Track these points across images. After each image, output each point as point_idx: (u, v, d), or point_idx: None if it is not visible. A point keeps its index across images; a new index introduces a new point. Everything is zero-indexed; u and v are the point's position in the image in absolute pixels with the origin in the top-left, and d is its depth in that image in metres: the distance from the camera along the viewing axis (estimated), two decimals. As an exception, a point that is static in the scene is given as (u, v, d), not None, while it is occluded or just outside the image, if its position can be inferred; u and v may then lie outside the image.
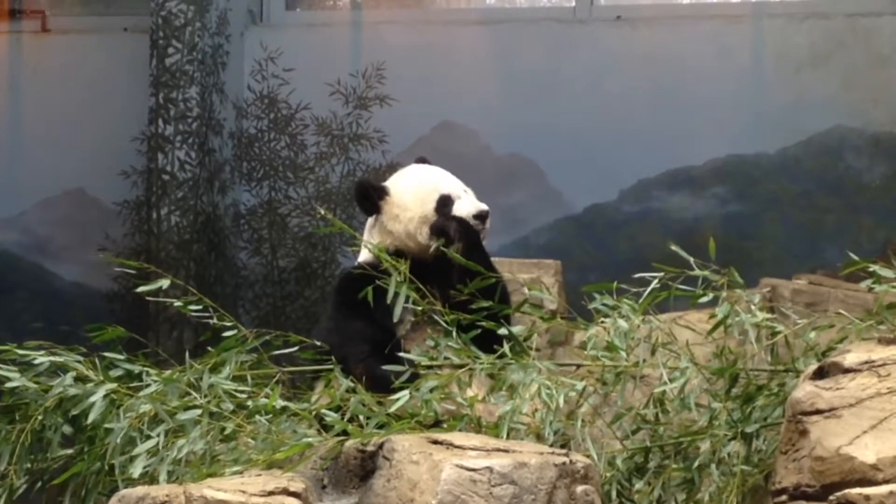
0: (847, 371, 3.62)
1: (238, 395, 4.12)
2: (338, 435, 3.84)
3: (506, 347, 4.22)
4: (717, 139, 7.66)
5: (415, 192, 4.58)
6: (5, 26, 8.52)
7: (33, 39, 8.50)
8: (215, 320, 4.32)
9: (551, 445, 3.87)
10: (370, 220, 4.65)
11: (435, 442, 3.66)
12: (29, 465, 4.24)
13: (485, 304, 4.27)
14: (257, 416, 4.01)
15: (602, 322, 4.26)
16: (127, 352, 4.40)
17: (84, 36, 8.40)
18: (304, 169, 8.08)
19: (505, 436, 3.90)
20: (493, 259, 4.60)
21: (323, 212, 4.93)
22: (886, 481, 3.39)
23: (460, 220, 4.48)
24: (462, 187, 4.62)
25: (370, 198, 4.60)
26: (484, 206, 4.54)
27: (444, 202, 4.54)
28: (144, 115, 7.85)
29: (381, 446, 3.69)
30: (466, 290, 4.31)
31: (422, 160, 4.79)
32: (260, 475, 3.69)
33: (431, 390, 4.05)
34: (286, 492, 3.53)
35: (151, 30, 7.81)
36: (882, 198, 7.52)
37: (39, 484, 4.27)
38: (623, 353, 4.16)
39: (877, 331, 4.04)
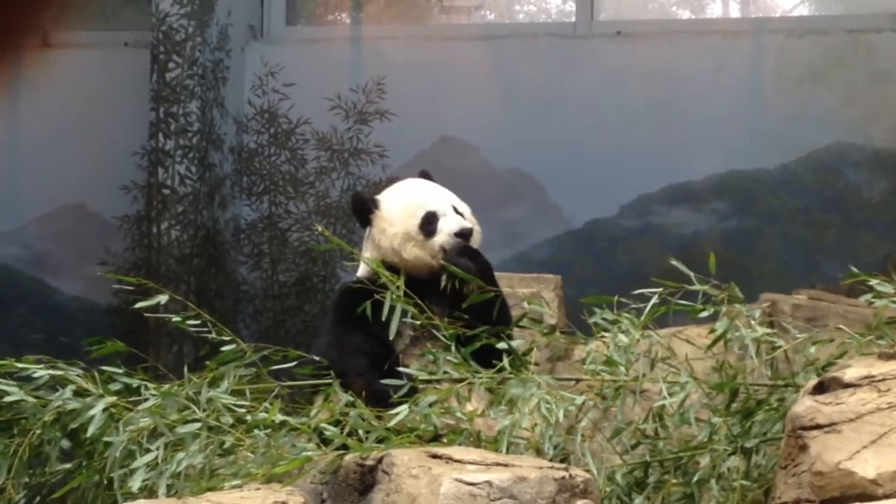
0: (847, 386, 3.62)
1: (237, 409, 4.12)
2: (337, 449, 3.84)
3: (505, 362, 4.22)
4: (717, 154, 7.66)
5: (402, 207, 4.59)
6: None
7: (34, 54, 8.51)
8: (214, 335, 4.32)
9: (551, 460, 3.87)
10: (366, 233, 4.66)
11: (434, 456, 3.66)
12: (27, 480, 4.23)
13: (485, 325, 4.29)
14: (256, 430, 4.01)
15: (602, 336, 4.26)
16: (126, 366, 4.39)
17: (85, 51, 8.40)
18: (305, 183, 8.08)
19: (504, 450, 3.90)
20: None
21: (321, 229, 4.93)
22: (886, 496, 3.38)
23: (468, 254, 4.48)
24: (451, 204, 4.61)
25: (363, 210, 4.62)
26: (468, 224, 4.55)
27: (429, 219, 4.55)
28: (145, 130, 7.85)
29: (380, 460, 3.69)
30: (465, 304, 4.32)
31: (424, 174, 4.79)
32: (259, 489, 3.69)
33: (431, 405, 4.05)
34: (285, 506, 3.54)
35: (152, 45, 7.82)
36: (882, 213, 7.52)
37: (38, 498, 4.26)
38: (622, 368, 4.15)
39: (876, 346, 4.04)
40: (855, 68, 7.59)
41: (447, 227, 4.53)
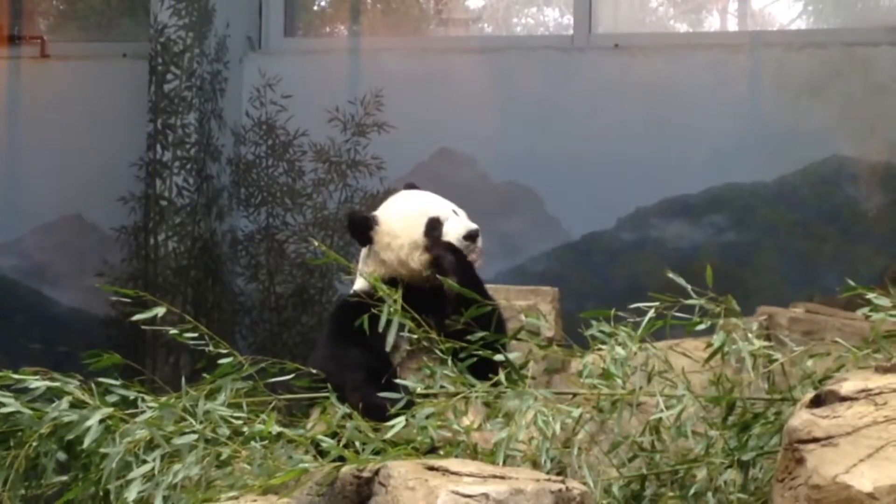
0: (844, 399, 3.62)
1: (234, 420, 4.11)
2: (334, 461, 3.83)
3: (501, 375, 4.22)
4: (715, 168, 7.67)
5: (403, 218, 4.57)
6: (4, 52, 8.55)
7: (32, 65, 8.52)
8: (211, 347, 4.31)
9: (547, 472, 3.86)
10: (364, 250, 4.64)
11: (431, 468, 3.65)
12: (23, 492, 4.22)
13: (480, 333, 4.27)
14: (253, 442, 4.00)
15: (599, 349, 4.26)
16: (123, 377, 4.39)
17: (83, 62, 8.42)
18: (302, 195, 8.09)
19: (501, 462, 3.89)
20: (489, 286, 4.58)
21: (317, 243, 4.89)
22: (883, 510, 3.38)
23: (453, 251, 4.47)
24: (451, 208, 4.61)
25: (362, 229, 4.59)
26: (473, 226, 4.52)
27: (433, 225, 4.53)
28: (143, 141, 7.86)
29: (377, 472, 3.68)
30: (462, 318, 4.31)
31: (410, 186, 4.79)
32: (256, 500, 3.68)
33: (427, 417, 4.04)
34: (281, 518, 3.53)
35: (150, 56, 7.83)
36: (879, 226, 7.53)
37: (34, 510, 4.26)
38: (619, 381, 4.15)
39: (873, 359, 4.04)
40: (852, 82, 7.60)
41: (454, 231, 4.51)
